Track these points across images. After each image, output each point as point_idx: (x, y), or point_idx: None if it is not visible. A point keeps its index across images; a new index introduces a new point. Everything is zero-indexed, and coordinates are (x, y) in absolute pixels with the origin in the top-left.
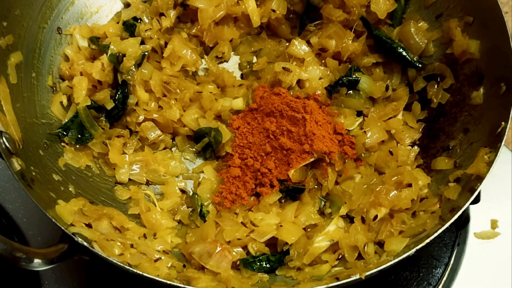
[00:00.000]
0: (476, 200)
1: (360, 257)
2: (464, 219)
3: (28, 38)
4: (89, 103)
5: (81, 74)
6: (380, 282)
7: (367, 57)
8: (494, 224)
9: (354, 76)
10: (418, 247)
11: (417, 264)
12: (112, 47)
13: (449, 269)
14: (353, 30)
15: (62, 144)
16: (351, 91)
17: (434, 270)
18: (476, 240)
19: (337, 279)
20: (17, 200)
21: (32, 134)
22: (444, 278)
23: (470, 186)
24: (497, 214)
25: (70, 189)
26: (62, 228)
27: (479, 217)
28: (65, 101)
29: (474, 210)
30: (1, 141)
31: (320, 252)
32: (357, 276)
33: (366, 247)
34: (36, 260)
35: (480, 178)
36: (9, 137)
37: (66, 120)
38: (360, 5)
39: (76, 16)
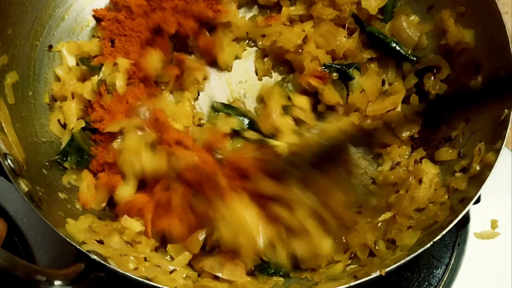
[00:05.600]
0: (476, 200)
1: (371, 254)
2: (464, 219)
3: (22, 57)
4: (84, 125)
5: (72, 95)
6: (381, 283)
7: (361, 53)
8: (494, 224)
9: (350, 72)
10: (435, 240)
11: (418, 265)
12: (103, 69)
13: (449, 269)
14: (346, 28)
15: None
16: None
17: (434, 270)
18: (476, 240)
19: (355, 278)
20: (17, 200)
21: (34, 154)
22: (445, 279)
23: (478, 175)
24: (497, 214)
25: (77, 206)
26: (77, 246)
27: (479, 217)
28: (62, 119)
29: (474, 210)
30: (6, 163)
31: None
32: (377, 273)
33: (377, 245)
34: (57, 282)
35: (488, 166)
36: (13, 159)
37: (63, 146)
38: (350, 2)
39: (67, 31)
